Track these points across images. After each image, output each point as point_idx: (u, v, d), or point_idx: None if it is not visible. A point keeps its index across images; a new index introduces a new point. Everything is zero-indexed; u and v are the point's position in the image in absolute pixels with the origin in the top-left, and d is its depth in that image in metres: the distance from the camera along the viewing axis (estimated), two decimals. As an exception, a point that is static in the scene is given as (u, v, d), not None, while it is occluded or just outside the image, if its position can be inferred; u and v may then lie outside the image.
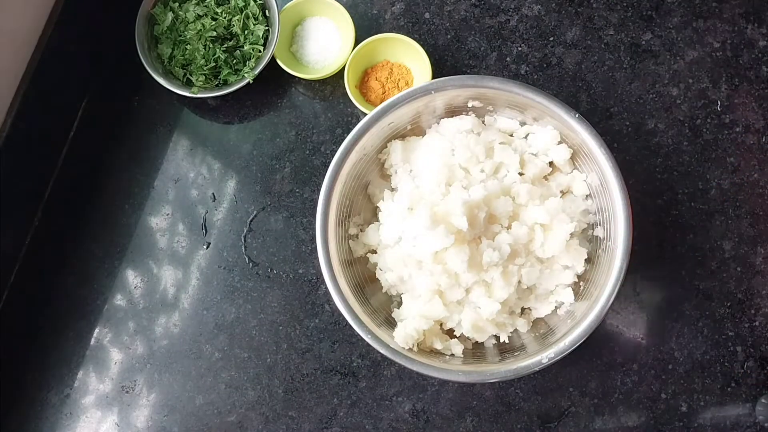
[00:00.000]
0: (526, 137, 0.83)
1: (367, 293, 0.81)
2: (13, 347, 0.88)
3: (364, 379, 0.86)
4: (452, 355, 0.78)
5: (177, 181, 0.92)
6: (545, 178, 0.82)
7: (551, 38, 0.92)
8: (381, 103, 0.89)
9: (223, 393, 0.87)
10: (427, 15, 0.93)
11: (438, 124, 0.85)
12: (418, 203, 0.78)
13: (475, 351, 0.80)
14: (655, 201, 0.87)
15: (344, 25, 0.90)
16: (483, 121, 0.84)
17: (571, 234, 0.78)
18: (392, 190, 0.84)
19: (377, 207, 0.84)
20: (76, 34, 0.91)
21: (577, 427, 0.84)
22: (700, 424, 0.83)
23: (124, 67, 0.93)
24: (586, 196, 0.81)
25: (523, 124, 0.83)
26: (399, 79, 0.90)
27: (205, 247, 0.90)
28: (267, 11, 0.90)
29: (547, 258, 0.78)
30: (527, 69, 0.92)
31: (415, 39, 0.88)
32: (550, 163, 0.82)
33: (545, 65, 0.92)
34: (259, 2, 0.90)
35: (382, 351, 0.74)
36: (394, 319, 0.80)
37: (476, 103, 0.82)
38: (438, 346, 0.78)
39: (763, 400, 0.83)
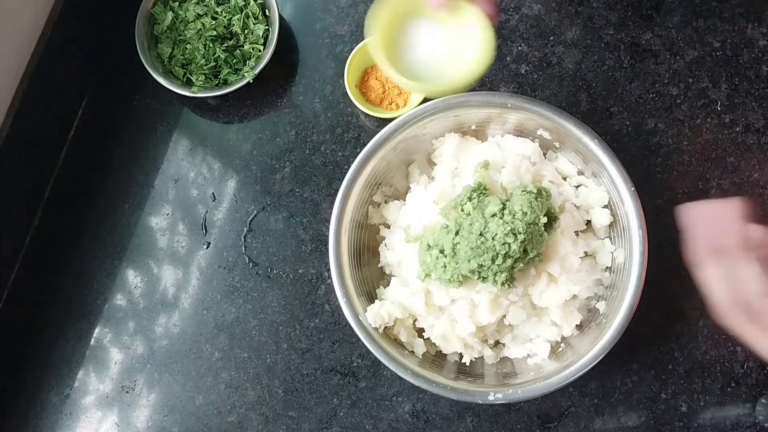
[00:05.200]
0: (577, 187, 0.82)
1: (363, 261, 0.82)
2: (13, 347, 0.88)
3: (364, 379, 0.86)
4: (412, 352, 0.78)
5: (177, 181, 0.92)
6: (576, 233, 0.80)
7: (551, 38, 0.92)
8: (381, 102, 0.90)
9: (223, 393, 0.87)
10: (427, 15, 0.93)
11: (502, 137, 0.83)
12: (445, 201, 0.78)
13: (435, 359, 0.80)
14: (655, 201, 0.87)
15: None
16: (545, 154, 0.83)
17: (574, 296, 0.77)
18: (430, 178, 0.83)
19: (409, 187, 0.84)
20: (76, 34, 0.91)
21: (577, 427, 0.84)
22: (700, 424, 0.83)
23: (124, 67, 0.93)
24: (606, 268, 0.80)
25: (580, 173, 0.82)
26: (399, 79, 0.90)
27: (205, 246, 0.90)
28: (267, 11, 0.90)
29: (540, 307, 0.77)
30: (527, 68, 0.91)
31: (415, 39, 0.88)
32: (587, 222, 0.81)
33: (545, 65, 0.91)
34: (259, 2, 0.90)
35: (352, 323, 0.75)
36: (376, 294, 0.81)
37: (546, 134, 0.81)
38: (403, 338, 0.78)
39: (763, 400, 0.83)
